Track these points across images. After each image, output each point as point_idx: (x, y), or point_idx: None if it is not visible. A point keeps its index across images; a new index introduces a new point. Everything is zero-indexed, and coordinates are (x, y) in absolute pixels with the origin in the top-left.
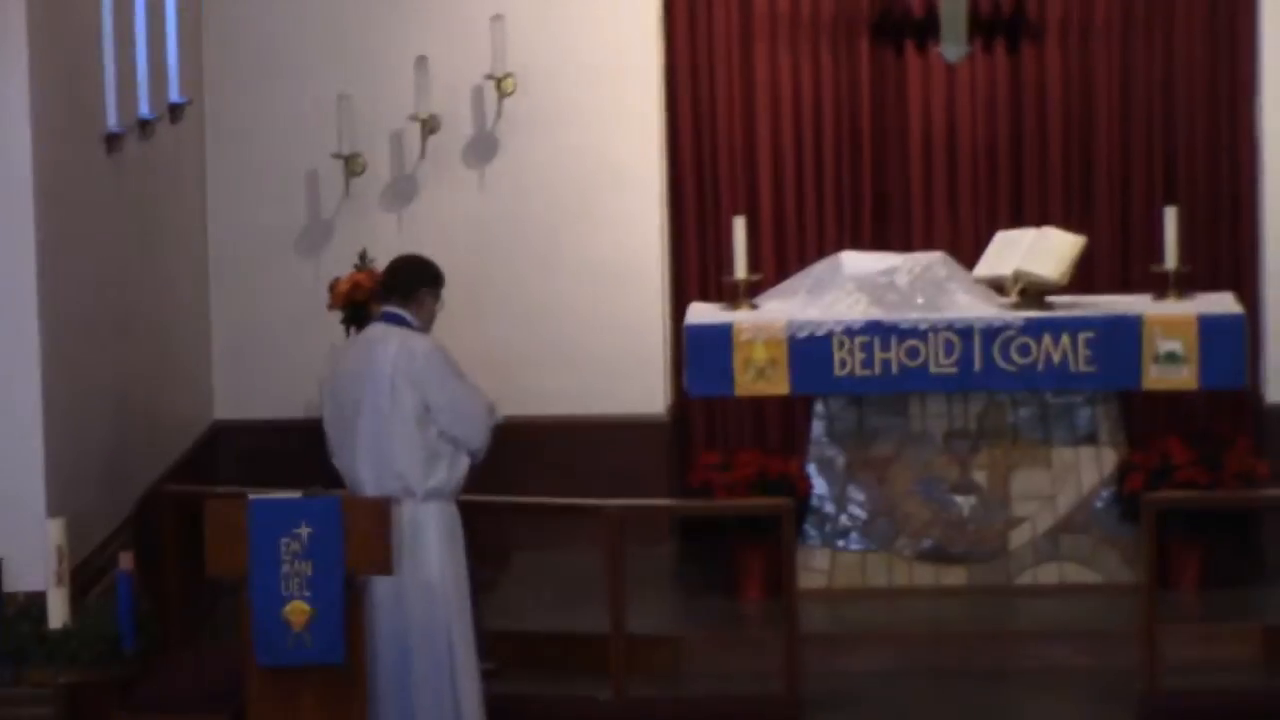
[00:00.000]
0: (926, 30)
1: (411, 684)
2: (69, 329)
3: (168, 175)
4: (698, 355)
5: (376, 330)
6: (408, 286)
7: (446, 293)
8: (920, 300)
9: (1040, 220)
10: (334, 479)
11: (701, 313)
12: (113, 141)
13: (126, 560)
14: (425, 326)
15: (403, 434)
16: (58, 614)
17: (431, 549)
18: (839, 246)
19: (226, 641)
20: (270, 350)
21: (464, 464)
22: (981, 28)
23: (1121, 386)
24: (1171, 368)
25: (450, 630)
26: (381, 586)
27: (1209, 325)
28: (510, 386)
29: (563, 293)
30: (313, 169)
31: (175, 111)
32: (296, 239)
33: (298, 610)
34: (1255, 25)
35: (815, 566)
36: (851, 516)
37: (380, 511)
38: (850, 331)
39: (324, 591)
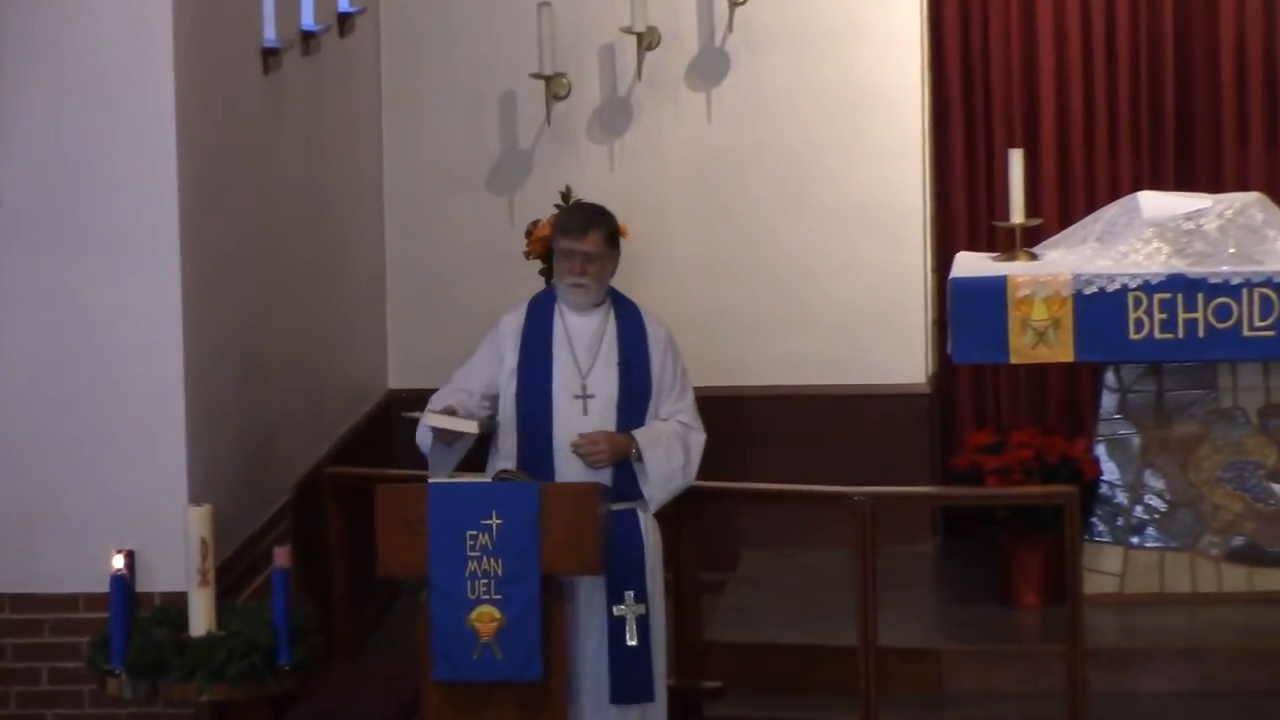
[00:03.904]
0: None
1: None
2: (217, 281)
3: (336, 99)
4: (965, 315)
5: None
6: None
7: (665, 239)
8: (1232, 250)
9: None
10: None
11: (970, 264)
12: (270, 58)
13: (283, 556)
14: (556, 289)
15: None
16: (201, 619)
17: None
18: (1134, 185)
19: (400, 653)
20: (455, 307)
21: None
22: None
23: None
24: None
25: None
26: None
27: None
28: (744, 351)
29: (805, 240)
30: (508, 91)
31: (345, 22)
32: (488, 174)
33: (485, 616)
34: None
35: (1104, 568)
36: (1148, 508)
37: (587, 500)
38: (1148, 287)
39: (517, 595)
